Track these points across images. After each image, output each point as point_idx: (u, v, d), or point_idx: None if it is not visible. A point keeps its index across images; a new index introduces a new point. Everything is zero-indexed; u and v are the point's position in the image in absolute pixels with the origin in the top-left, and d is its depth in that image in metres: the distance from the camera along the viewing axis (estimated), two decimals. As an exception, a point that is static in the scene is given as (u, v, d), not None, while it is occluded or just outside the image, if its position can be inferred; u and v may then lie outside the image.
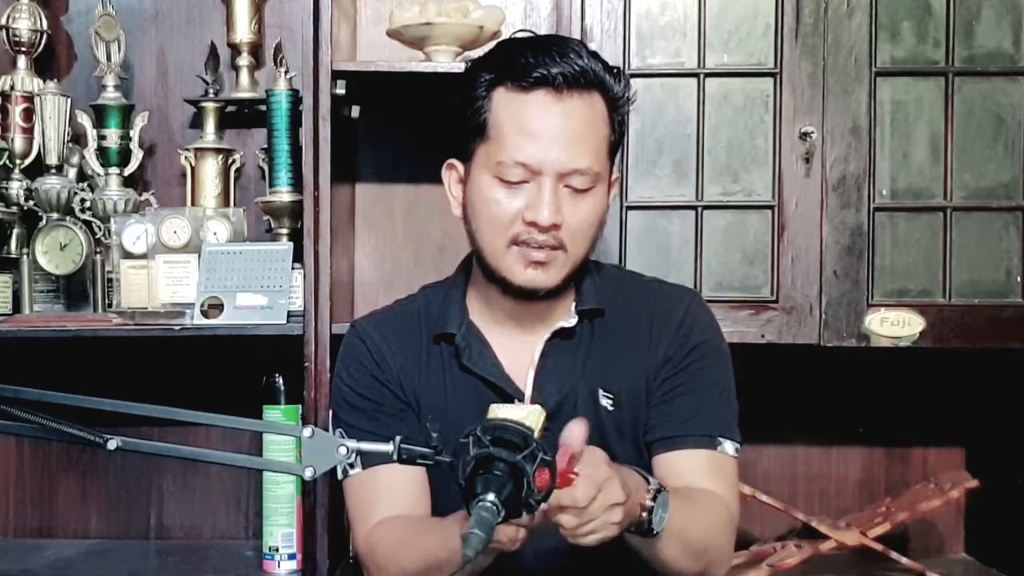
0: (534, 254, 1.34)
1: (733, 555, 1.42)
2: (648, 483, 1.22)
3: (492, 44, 1.90)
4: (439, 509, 1.40)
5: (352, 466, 1.40)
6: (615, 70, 1.38)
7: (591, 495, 1.10)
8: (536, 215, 1.31)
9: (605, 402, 1.41)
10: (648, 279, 1.53)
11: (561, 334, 1.43)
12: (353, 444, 1.07)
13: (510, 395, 1.39)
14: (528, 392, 1.40)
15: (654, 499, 1.20)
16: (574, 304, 1.44)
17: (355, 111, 2.06)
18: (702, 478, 1.37)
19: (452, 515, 1.31)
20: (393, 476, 1.39)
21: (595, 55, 1.37)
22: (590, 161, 1.33)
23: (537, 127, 1.32)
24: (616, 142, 1.39)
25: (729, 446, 1.40)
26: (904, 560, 1.95)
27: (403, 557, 1.36)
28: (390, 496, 1.40)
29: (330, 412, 1.52)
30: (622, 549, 1.25)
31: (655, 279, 1.53)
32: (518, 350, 1.43)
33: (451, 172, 1.43)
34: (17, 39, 2.04)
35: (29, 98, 1.99)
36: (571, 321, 1.43)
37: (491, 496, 1.02)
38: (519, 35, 1.44)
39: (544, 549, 1.31)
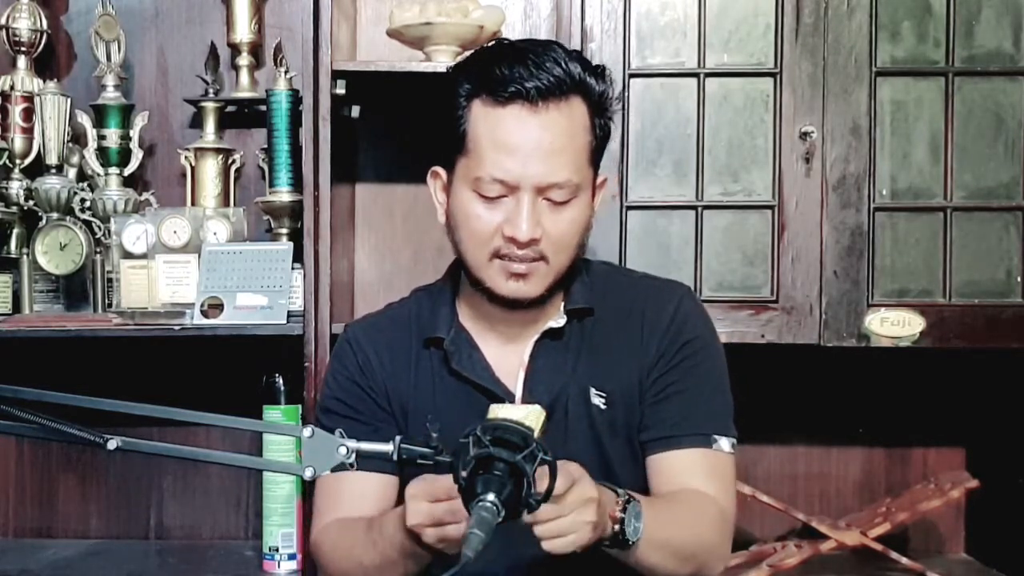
0: (515, 267, 1.34)
1: (730, 553, 1.41)
2: (617, 495, 1.22)
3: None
4: None
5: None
6: (599, 69, 1.37)
7: (566, 485, 1.10)
8: (514, 231, 1.31)
9: (597, 401, 1.41)
10: (638, 275, 1.53)
11: (550, 335, 1.42)
12: (353, 444, 1.07)
13: (500, 398, 1.38)
14: (518, 394, 1.40)
15: (623, 510, 1.20)
16: (563, 304, 1.44)
17: (355, 111, 2.06)
18: (696, 478, 1.37)
19: (382, 514, 1.31)
20: (359, 481, 1.38)
21: (577, 56, 1.36)
22: (569, 174, 1.32)
23: (513, 142, 1.31)
24: (599, 145, 1.38)
25: (725, 443, 1.40)
26: (904, 560, 1.95)
27: (340, 559, 1.38)
28: (351, 500, 1.40)
29: None
30: (604, 559, 1.24)
31: (645, 275, 1.53)
32: (508, 352, 1.43)
33: (436, 180, 1.43)
34: (17, 39, 2.04)
35: (29, 98, 1.99)
36: (560, 321, 1.42)
37: (491, 496, 1.02)
38: (501, 41, 1.41)
39: (519, 562, 1.31)
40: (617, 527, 1.19)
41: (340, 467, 1.08)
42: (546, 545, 1.12)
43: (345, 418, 1.43)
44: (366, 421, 1.43)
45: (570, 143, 1.33)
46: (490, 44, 1.42)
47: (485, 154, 1.32)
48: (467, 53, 1.89)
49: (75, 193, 1.98)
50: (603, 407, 1.41)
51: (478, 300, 1.42)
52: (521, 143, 1.31)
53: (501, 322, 1.43)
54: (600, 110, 1.36)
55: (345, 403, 1.45)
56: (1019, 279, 1.82)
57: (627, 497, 1.22)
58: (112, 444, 1.03)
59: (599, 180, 1.41)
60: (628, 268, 1.58)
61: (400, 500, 1.40)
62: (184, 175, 2.08)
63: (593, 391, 1.41)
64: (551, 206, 1.33)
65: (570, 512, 1.11)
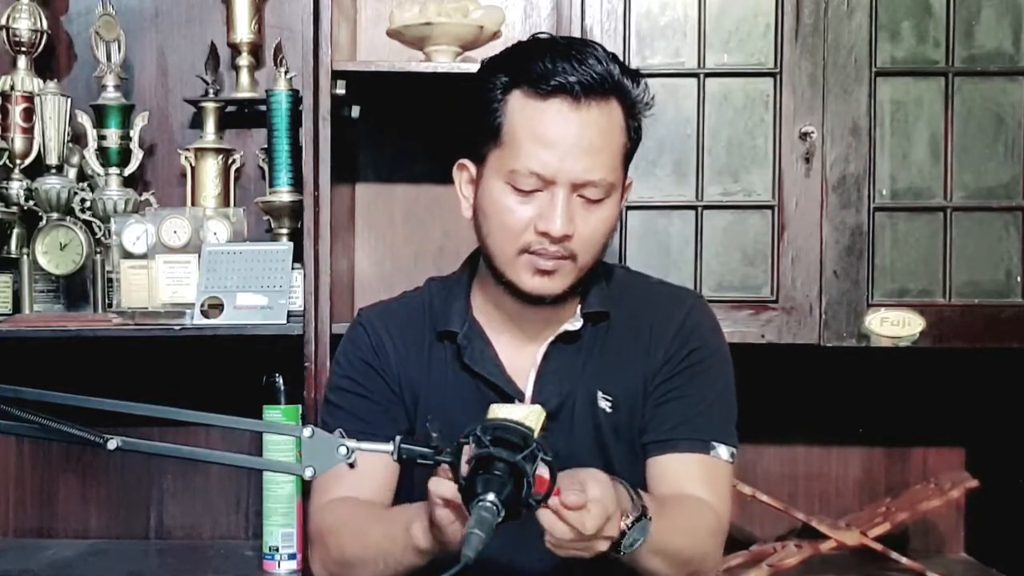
0: (542, 263, 1.33)
1: (721, 559, 1.42)
2: (632, 503, 1.19)
3: (492, 44, 1.91)
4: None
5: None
6: (634, 72, 1.37)
7: (599, 525, 1.10)
8: (548, 225, 1.30)
9: (604, 404, 1.41)
10: (653, 281, 1.53)
11: (565, 337, 1.42)
12: (353, 444, 1.07)
13: (510, 395, 1.39)
14: (528, 393, 1.40)
15: (630, 526, 1.17)
16: (580, 307, 1.43)
17: (355, 111, 2.06)
18: (692, 483, 1.36)
19: (401, 507, 1.30)
20: (364, 458, 1.37)
21: (614, 58, 1.35)
22: (604, 172, 1.32)
23: (553, 136, 1.30)
24: (632, 148, 1.38)
25: (723, 451, 1.39)
26: (904, 560, 1.95)
27: (346, 541, 1.34)
28: (356, 476, 1.33)
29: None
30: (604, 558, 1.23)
31: (660, 281, 1.53)
32: (521, 351, 1.42)
33: (462, 172, 1.41)
34: (17, 39, 2.04)
35: (29, 98, 1.99)
36: (576, 324, 1.42)
37: (491, 496, 1.02)
38: (539, 36, 1.41)
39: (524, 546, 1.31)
40: (616, 534, 1.18)
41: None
42: (555, 550, 1.12)
43: (355, 395, 1.43)
44: (377, 400, 1.43)
45: (607, 142, 1.33)
46: (528, 38, 1.41)
47: (523, 146, 1.31)
48: (468, 53, 1.90)
49: (75, 193, 1.98)
50: (609, 410, 1.41)
51: (496, 295, 1.42)
52: (561, 138, 1.30)
53: (517, 319, 1.42)
54: (634, 113, 1.37)
55: (356, 381, 1.44)
56: (1019, 279, 1.82)
57: (639, 514, 1.19)
58: (112, 444, 1.03)
59: (627, 182, 1.41)
60: (645, 274, 1.57)
61: (402, 482, 1.41)
62: (184, 175, 2.08)
63: (600, 394, 1.41)
64: (584, 204, 1.33)
65: (590, 539, 1.11)
